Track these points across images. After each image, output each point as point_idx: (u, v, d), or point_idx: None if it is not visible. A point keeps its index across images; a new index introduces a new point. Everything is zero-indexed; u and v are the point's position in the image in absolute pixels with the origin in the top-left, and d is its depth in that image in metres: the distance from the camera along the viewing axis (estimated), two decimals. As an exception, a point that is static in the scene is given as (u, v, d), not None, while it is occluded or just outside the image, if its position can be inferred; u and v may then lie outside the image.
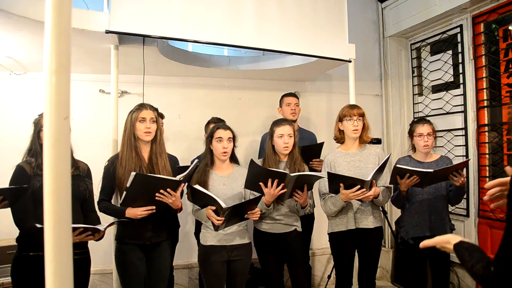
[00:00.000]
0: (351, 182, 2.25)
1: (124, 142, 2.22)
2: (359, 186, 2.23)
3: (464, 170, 2.47)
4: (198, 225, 2.67)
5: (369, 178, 2.24)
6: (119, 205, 2.14)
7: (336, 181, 2.26)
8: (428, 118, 2.83)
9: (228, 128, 2.39)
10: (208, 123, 3.12)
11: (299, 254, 2.49)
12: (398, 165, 2.37)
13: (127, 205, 2.09)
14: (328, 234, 2.55)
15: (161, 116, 3.00)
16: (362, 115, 2.49)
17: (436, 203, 2.53)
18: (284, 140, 2.42)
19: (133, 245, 2.19)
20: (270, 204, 2.31)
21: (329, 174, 2.27)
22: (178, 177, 2.13)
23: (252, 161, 2.19)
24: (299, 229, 2.50)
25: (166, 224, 2.31)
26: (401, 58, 4.17)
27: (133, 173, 1.95)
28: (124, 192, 2.02)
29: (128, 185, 1.97)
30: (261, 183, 2.20)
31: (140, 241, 2.19)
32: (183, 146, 3.50)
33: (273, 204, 2.36)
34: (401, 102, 4.16)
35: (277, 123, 2.50)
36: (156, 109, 2.30)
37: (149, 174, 2.15)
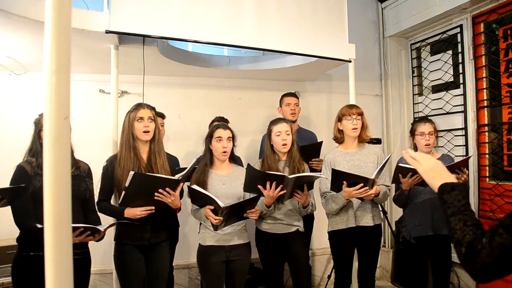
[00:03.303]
0: (355, 180, 2.26)
1: (122, 142, 2.21)
2: (362, 184, 2.24)
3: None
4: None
5: (373, 177, 2.24)
6: (118, 205, 2.13)
7: (340, 179, 2.27)
8: (429, 118, 2.83)
9: (227, 127, 2.39)
10: (212, 122, 3.10)
11: (300, 254, 2.48)
12: (400, 164, 2.37)
13: (126, 205, 2.08)
14: (328, 232, 2.56)
15: (161, 115, 3.00)
16: (360, 114, 2.51)
17: (438, 202, 2.51)
18: (282, 137, 2.41)
19: (132, 245, 2.18)
20: (271, 205, 2.31)
21: (333, 171, 2.28)
22: (177, 176, 2.12)
23: (249, 165, 2.19)
24: (301, 229, 2.50)
25: (165, 224, 2.30)
26: (401, 58, 4.17)
27: (131, 173, 1.94)
28: (123, 192, 2.01)
29: (126, 184, 1.96)
30: (260, 186, 2.20)
31: (139, 242, 2.18)
32: (183, 146, 3.50)
33: (274, 204, 2.36)
34: (401, 102, 4.16)
35: (274, 122, 2.51)
36: (153, 108, 2.29)
37: (147, 174, 2.13)
